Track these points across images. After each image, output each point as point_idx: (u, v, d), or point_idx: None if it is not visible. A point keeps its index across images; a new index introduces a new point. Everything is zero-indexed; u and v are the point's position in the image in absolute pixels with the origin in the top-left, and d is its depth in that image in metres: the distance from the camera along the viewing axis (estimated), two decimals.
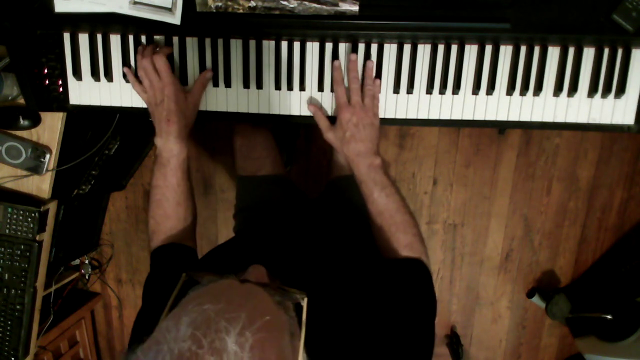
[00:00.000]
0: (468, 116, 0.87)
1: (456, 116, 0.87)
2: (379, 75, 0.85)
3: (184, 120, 0.82)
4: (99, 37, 0.86)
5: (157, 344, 0.38)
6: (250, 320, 0.40)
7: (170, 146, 0.80)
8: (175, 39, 0.86)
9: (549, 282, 1.88)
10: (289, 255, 0.76)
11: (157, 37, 0.86)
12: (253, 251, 0.80)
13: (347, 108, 0.80)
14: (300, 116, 0.88)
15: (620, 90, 0.84)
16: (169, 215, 0.83)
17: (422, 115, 0.87)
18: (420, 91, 0.86)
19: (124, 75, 0.88)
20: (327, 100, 0.88)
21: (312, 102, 0.87)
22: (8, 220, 1.09)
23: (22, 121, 1.00)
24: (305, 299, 0.48)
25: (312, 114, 0.86)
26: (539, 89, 0.84)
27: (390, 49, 0.84)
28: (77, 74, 0.88)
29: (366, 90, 0.82)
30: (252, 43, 0.85)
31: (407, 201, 0.80)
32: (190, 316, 0.40)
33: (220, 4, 0.80)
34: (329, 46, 0.85)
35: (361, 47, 0.84)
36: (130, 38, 0.86)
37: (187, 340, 0.38)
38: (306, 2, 0.78)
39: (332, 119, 0.85)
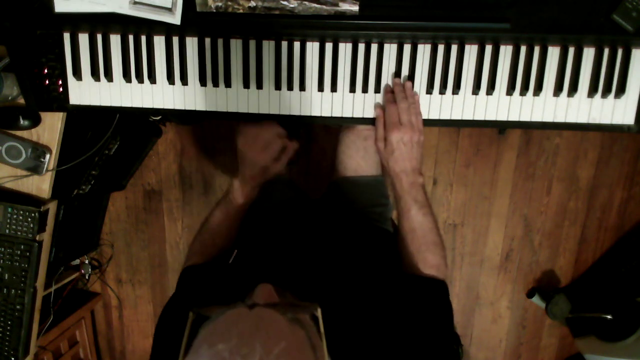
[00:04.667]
0: (468, 116, 0.87)
1: (456, 116, 0.87)
2: (379, 73, 0.85)
3: (265, 178, 0.89)
4: (99, 37, 0.86)
5: None
6: (267, 350, 0.39)
7: (246, 191, 0.88)
8: (175, 39, 0.86)
9: (549, 282, 1.88)
10: (296, 260, 0.76)
11: (157, 37, 0.86)
12: (261, 258, 0.80)
13: (398, 127, 0.82)
14: (300, 116, 0.88)
15: (620, 90, 0.83)
16: (216, 245, 0.90)
17: (422, 116, 0.87)
18: (420, 91, 0.86)
19: (124, 75, 0.88)
20: (326, 100, 0.88)
21: (378, 106, 0.87)
22: (8, 220, 1.09)
23: (22, 121, 1.00)
24: (319, 309, 0.48)
25: (375, 117, 0.87)
26: (539, 89, 0.84)
27: (390, 49, 0.84)
28: (77, 74, 0.88)
29: (412, 109, 0.83)
30: (252, 43, 0.85)
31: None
32: None
33: (220, 4, 0.80)
34: (329, 46, 0.85)
35: (361, 47, 0.84)
36: (130, 38, 0.86)
37: None
38: (306, 2, 0.78)
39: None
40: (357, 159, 1.06)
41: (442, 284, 0.76)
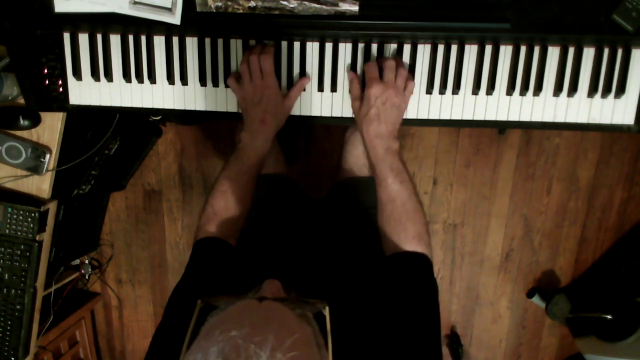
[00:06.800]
0: (468, 116, 0.87)
1: (456, 116, 0.87)
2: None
3: (276, 123, 0.82)
4: (99, 37, 0.86)
5: None
6: (279, 341, 0.40)
7: (256, 145, 0.81)
8: (175, 39, 0.86)
9: (549, 282, 1.88)
10: (297, 259, 0.75)
11: (157, 37, 0.86)
12: (263, 255, 0.79)
13: (378, 83, 0.76)
14: (299, 116, 0.88)
15: (620, 90, 0.83)
16: (229, 208, 0.81)
17: (422, 115, 0.87)
18: (420, 91, 0.86)
19: (124, 75, 0.88)
20: (326, 100, 0.88)
21: (350, 69, 0.85)
22: (8, 220, 1.09)
23: (22, 121, 1.00)
24: (327, 308, 0.47)
25: (349, 80, 0.84)
26: (538, 89, 0.84)
27: (390, 49, 0.84)
28: (77, 74, 0.88)
29: (400, 71, 0.78)
30: (252, 43, 0.85)
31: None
32: (218, 346, 0.40)
33: (220, 4, 0.80)
34: (329, 46, 0.85)
35: (361, 47, 0.84)
36: (130, 38, 0.86)
37: None
38: (306, 2, 0.78)
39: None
40: (363, 159, 1.05)
41: (424, 258, 0.73)
